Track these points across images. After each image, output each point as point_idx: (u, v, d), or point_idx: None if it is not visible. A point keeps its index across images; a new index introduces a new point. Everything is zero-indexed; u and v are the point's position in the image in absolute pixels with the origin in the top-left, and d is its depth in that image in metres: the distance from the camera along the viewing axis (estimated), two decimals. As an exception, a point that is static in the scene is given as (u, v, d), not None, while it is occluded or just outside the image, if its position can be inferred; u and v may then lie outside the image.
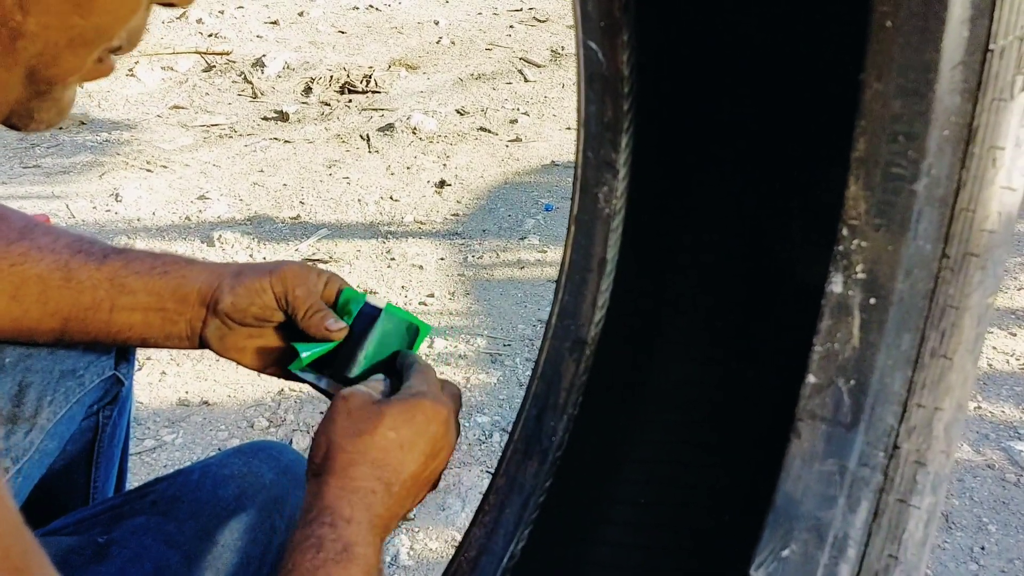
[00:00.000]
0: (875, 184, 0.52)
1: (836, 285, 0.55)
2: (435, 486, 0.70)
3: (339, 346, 0.76)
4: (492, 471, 1.66)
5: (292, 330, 0.77)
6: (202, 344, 0.78)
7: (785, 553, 0.58)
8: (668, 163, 0.67)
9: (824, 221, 0.59)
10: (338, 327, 0.75)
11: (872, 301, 0.55)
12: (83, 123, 3.23)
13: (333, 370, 0.77)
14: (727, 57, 0.61)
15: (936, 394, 0.56)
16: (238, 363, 0.79)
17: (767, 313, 0.69)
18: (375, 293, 2.22)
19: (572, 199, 0.69)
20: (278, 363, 0.80)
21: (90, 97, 3.44)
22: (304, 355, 0.75)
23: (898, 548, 0.57)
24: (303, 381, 0.78)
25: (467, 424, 1.78)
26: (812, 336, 0.58)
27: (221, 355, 0.79)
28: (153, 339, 0.78)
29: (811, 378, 0.57)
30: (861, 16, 0.49)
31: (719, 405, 0.72)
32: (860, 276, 0.55)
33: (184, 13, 4.28)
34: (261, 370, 0.81)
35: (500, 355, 1.99)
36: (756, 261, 0.69)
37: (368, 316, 0.76)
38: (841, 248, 0.55)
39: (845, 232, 0.54)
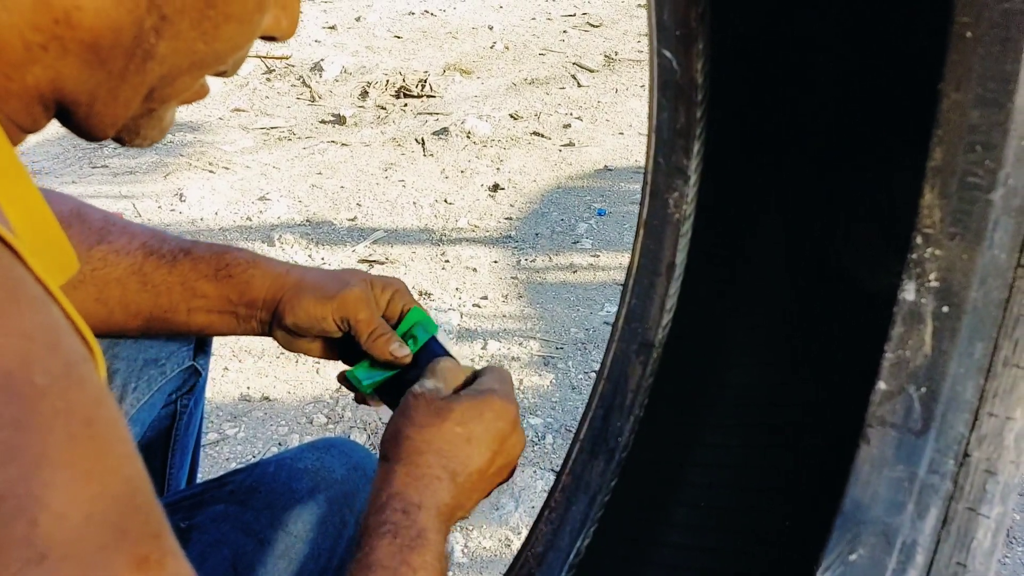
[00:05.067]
0: (951, 193, 0.53)
1: (909, 293, 0.56)
2: (505, 481, 0.71)
3: (400, 371, 0.75)
4: (546, 472, 1.68)
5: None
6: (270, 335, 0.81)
7: (852, 557, 0.58)
8: (737, 169, 0.68)
9: (893, 229, 0.59)
10: (403, 353, 0.74)
11: (945, 309, 0.55)
12: (148, 125, 3.33)
13: (391, 396, 0.76)
14: (800, 65, 0.62)
15: (1008, 403, 0.56)
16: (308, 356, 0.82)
17: (832, 318, 0.69)
18: (430, 295, 2.25)
19: (641, 204, 0.70)
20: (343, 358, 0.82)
21: (155, 100, 3.55)
22: (365, 383, 0.75)
23: (966, 556, 0.57)
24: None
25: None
26: (878, 342, 0.58)
27: (289, 351, 0.82)
28: (231, 332, 0.81)
29: (882, 384, 0.57)
30: (941, 26, 0.49)
31: (782, 410, 0.72)
32: (933, 284, 0.55)
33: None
34: (330, 359, 0.83)
35: (553, 358, 2.01)
36: (822, 266, 0.70)
37: (433, 351, 0.75)
38: (915, 256, 0.55)
39: (919, 240, 0.55)
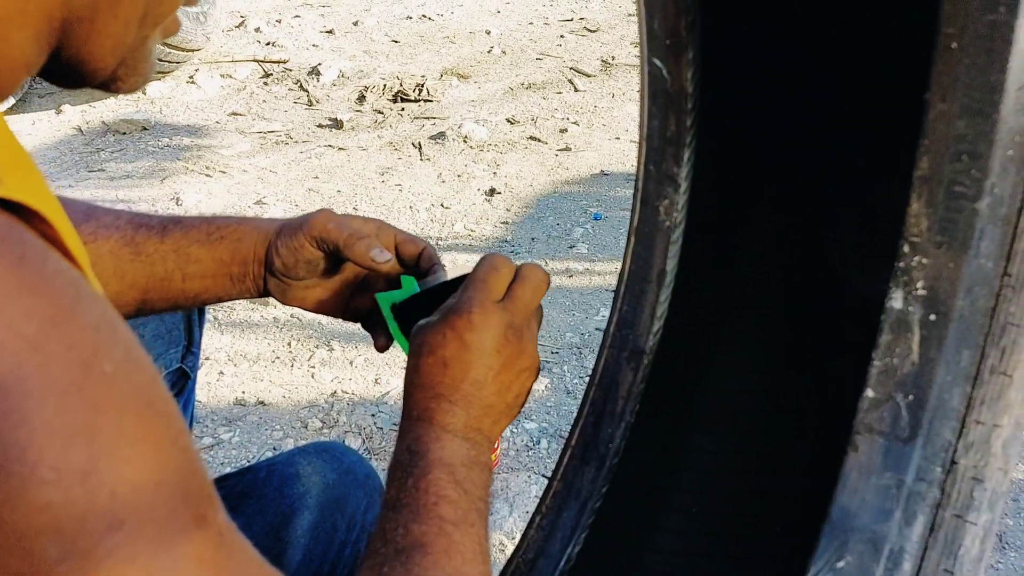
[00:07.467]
0: (938, 202, 0.53)
1: (896, 301, 0.56)
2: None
3: (424, 298, 0.73)
4: (540, 476, 1.68)
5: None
6: (267, 293, 0.81)
7: (840, 564, 0.58)
8: (727, 177, 0.68)
9: (883, 237, 0.60)
10: (384, 258, 0.73)
11: (932, 317, 0.55)
12: (145, 129, 3.33)
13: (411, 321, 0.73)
14: (789, 75, 0.62)
15: (995, 411, 0.56)
16: (303, 309, 0.82)
17: (823, 325, 0.70)
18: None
19: (632, 211, 0.70)
20: (337, 308, 0.82)
21: (152, 103, 3.55)
22: (381, 299, 0.74)
23: (954, 563, 0.57)
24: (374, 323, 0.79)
25: (515, 430, 1.80)
26: (868, 349, 0.59)
27: (286, 304, 0.81)
28: (227, 296, 0.81)
29: (870, 392, 0.57)
30: (927, 37, 0.50)
31: (773, 416, 0.72)
32: (921, 292, 0.55)
33: (243, 21, 4.39)
34: (326, 314, 0.83)
35: (548, 362, 2.01)
36: (813, 274, 0.70)
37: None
38: (902, 264, 0.55)
39: (906, 249, 0.55)
